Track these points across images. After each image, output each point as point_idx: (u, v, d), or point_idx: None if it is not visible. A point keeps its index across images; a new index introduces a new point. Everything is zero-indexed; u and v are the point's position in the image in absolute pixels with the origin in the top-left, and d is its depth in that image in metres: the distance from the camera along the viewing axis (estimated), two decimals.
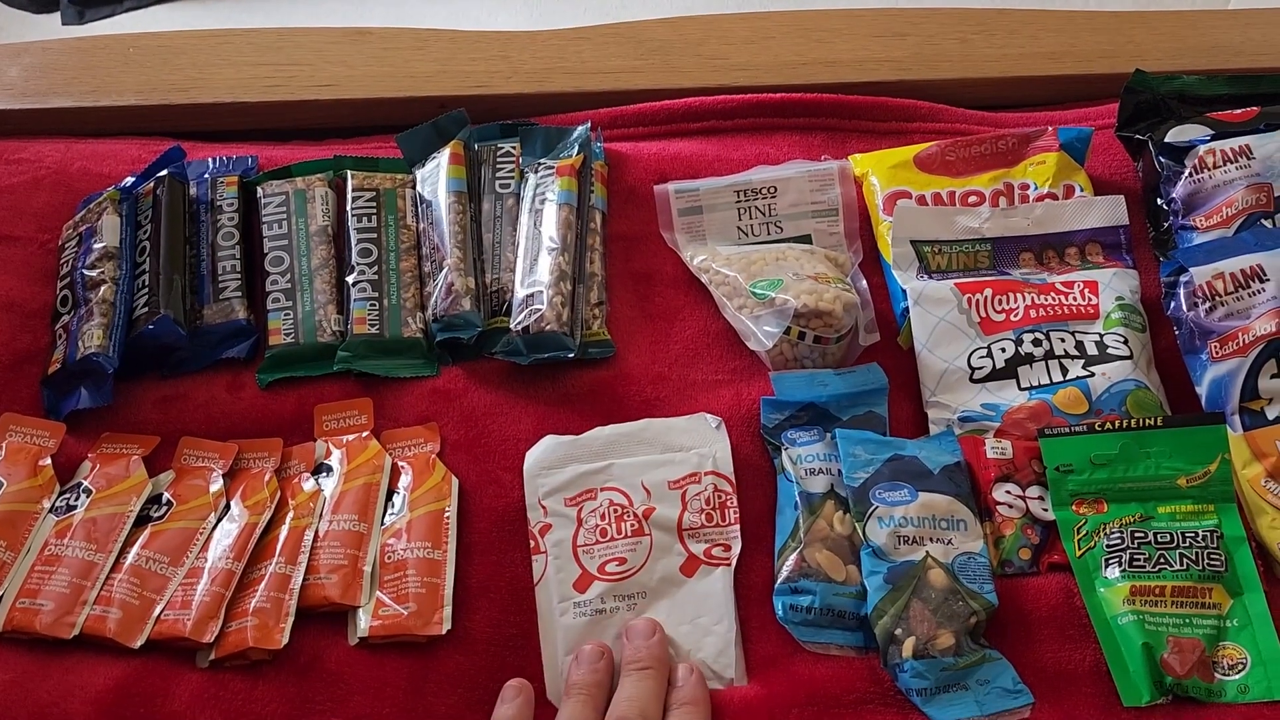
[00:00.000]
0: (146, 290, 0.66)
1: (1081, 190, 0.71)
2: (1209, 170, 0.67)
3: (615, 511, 0.59)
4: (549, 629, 0.57)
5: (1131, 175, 0.74)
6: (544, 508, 0.60)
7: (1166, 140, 0.69)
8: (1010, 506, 0.60)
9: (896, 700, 0.55)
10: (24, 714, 0.52)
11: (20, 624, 0.55)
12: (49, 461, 0.61)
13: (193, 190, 0.71)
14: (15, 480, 0.60)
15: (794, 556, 0.58)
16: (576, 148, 0.73)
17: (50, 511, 0.59)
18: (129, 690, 0.53)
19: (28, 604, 0.56)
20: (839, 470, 0.60)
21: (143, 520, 0.59)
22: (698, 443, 0.62)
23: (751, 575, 0.59)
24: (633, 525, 0.59)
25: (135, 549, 0.58)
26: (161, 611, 0.56)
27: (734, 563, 0.59)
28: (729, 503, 0.60)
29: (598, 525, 0.59)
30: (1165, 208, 0.69)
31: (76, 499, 0.60)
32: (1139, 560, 0.57)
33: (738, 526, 0.60)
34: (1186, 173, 0.68)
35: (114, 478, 0.61)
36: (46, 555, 0.57)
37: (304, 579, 0.57)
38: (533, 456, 0.62)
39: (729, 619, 0.57)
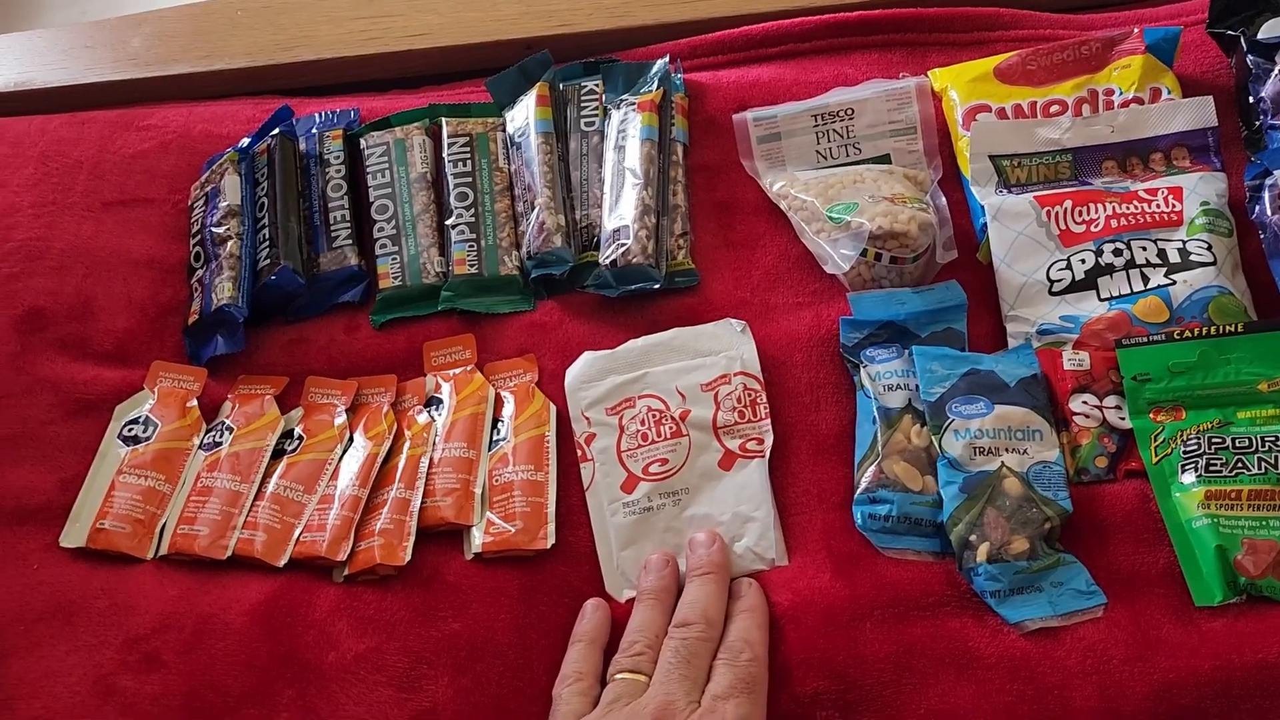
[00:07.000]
0: (268, 243, 0.72)
1: (1169, 93, 0.70)
2: None
3: (654, 417, 0.64)
4: (602, 528, 0.62)
5: (1226, 73, 0.72)
6: (587, 419, 0.65)
7: (1258, 36, 0.67)
8: (1087, 416, 0.61)
9: (972, 603, 0.57)
10: (191, 622, 0.60)
11: (181, 547, 0.63)
12: (195, 403, 0.68)
13: (302, 146, 0.76)
14: (169, 421, 0.67)
15: (872, 468, 0.61)
16: (656, 82, 0.75)
17: (200, 448, 0.67)
18: (277, 602, 0.61)
19: (187, 530, 0.63)
20: (916, 386, 0.62)
21: (278, 453, 0.66)
22: (725, 346, 0.66)
23: (834, 484, 0.62)
24: (671, 428, 0.63)
25: (274, 479, 0.65)
26: (300, 534, 0.63)
27: (768, 454, 0.62)
28: (759, 399, 0.64)
29: (639, 430, 0.63)
30: (1256, 106, 0.68)
31: (221, 436, 0.67)
32: (1215, 465, 0.58)
33: (769, 421, 0.63)
34: (1276, 70, 0.66)
35: (251, 416, 0.67)
36: (199, 487, 0.65)
37: (422, 502, 0.63)
38: (572, 373, 0.66)
39: (767, 504, 0.61)
